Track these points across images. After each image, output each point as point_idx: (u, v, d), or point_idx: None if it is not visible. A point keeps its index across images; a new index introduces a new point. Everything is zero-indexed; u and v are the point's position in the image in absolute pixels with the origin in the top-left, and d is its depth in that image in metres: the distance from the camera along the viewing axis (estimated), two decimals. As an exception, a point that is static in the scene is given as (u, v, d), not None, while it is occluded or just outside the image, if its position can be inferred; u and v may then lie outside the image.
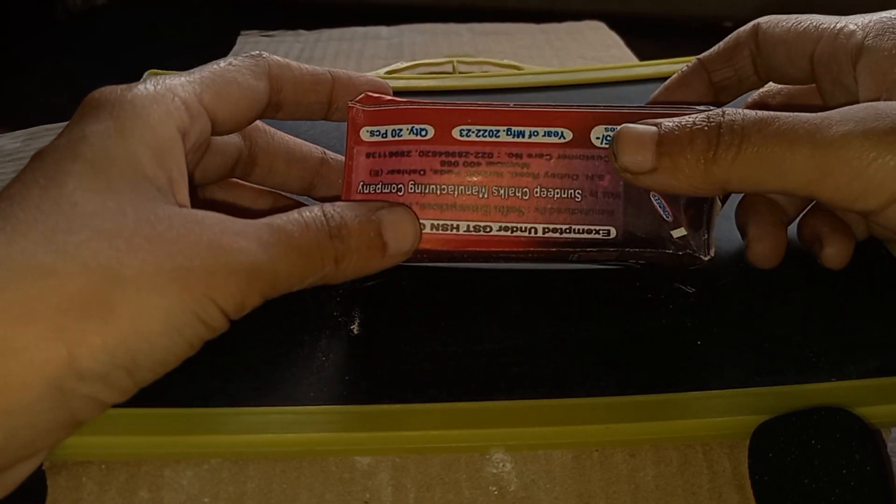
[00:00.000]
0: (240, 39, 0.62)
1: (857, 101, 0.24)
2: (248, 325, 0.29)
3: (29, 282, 0.18)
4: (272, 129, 0.30)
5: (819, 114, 0.22)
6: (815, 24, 0.28)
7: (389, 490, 0.24)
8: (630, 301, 0.30)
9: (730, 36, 0.31)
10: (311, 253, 0.22)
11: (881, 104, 0.22)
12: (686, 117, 0.24)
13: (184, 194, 0.23)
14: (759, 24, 0.30)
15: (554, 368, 0.27)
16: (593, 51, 0.58)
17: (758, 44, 0.30)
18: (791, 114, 0.22)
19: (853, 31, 0.27)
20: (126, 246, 0.20)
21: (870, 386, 0.26)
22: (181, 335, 0.20)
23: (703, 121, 0.23)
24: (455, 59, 0.52)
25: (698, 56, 0.31)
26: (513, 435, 0.25)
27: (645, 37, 0.64)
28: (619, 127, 0.24)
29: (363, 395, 0.26)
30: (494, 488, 0.24)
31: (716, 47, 0.31)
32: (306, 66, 0.27)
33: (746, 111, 0.23)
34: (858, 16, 0.28)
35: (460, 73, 0.51)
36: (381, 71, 0.51)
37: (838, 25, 0.27)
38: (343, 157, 0.28)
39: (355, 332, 0.28)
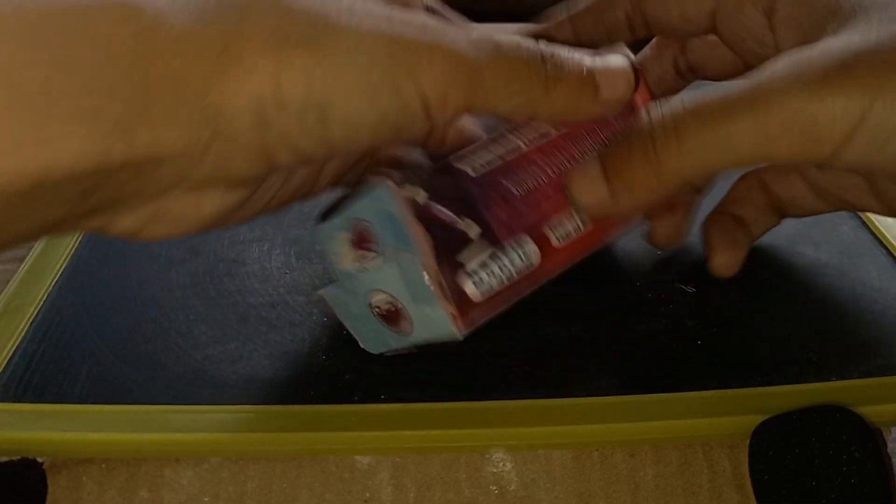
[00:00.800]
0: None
1: (776, 52, 0.24)
2: (249, 325, 0.29)
3: (254, 9, 0.18)
4: None
5: (746, 79, 0.22)
6: None
7: (389, 489, 0.24)
8: (630, 301, 0.30)
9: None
10: (521, 68, 0.21)
11: (801, 53, 0.22)
12: (617, 135, 0.24)
13: None
14: None
15: (554, 368, 0.27)
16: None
17: (638, 1, 0.28)
18: (716, 86, 0.22)
19: None
20: (345, 4, 0.20)
21: (870, 386, 0.26)
22: (376, 101, 0.20)
23: (633, 130, 0.23)
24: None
25: (568, 13, 0.30)
26: (513, 435, 0.25)
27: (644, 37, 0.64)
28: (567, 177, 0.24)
29: (363, 394, 0.26)
30: (495, 488, 0.24)
31: (585, 3, 0.29)
32: None
33: (672, 102, 0.22)
34: None
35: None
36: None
37: None
38: None
39: (355, 331, 0.28)
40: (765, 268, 0.31)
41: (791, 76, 0.21)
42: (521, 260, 0.24)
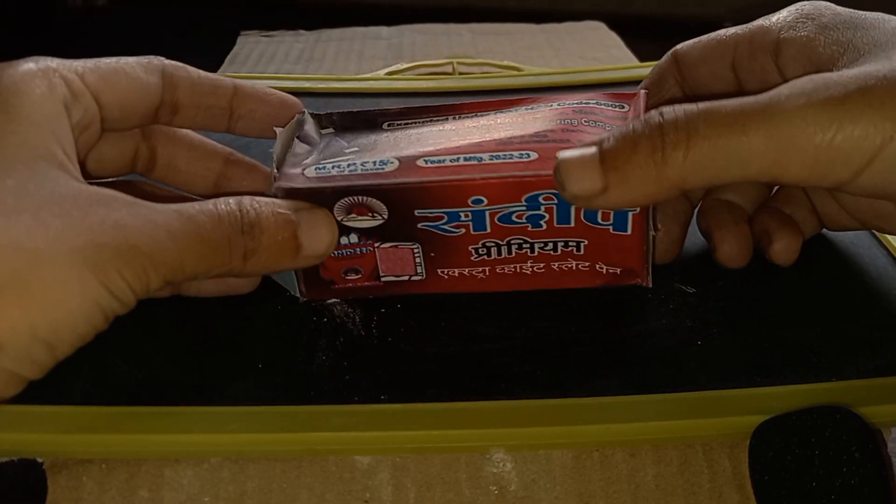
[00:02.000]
0: (240, 39, 0.62)
1: None
2: (249, 325, 0.29)
3: None
4: (174, 129, 0.29)
5: (765, 94, 0.21)
6: (727, 33, 0.29)
7: (390, 489, 0.24)
8: (630, 301, 0.30)
9: (652, 69, 0.31)
10: (220, 247, 0.23)
11: (823, 75, 0.22)
12: (623, 126, 0.23)
13: (78, 171, 0.23)
14: (675, 51, 0.30)
15: (554, 368, 0.27)
16: (593, 51, 0.58)
17: (680, 70, 0.30)
18: (734, 98, 0.22)
19: (767, 29, 0.27)
20: (34, 222, 0.20)
21: (870, 386, 0.26)
22: (99, 308, 0.21)
23: (642, 125, 0.22)
24: (455, 61, 0.52)
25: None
26: (513, 435, 0.25)
27: (645, 37, 0.64)
28: (558, 158, 0.23)
29: (363, 394, 0.26)
30: (495, 488, 0.24)
31: (643, 83, 0.31)
32: (206, 73, 0.28)
33: (686, 105, 0.22)
34: (767, 16, 0.28)
35: (460, 73, 0.51)
36: (382, 72, 0.51)
37: (751, 28, 0.28)
38: (249, 159, 0.29)
39: (355, 332, 0.28)
40: (764, 268, 0.31)
41: (811, 96, 0.21)
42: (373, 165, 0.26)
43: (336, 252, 0.27)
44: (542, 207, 0.26)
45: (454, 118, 0.29)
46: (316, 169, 0.26)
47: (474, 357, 0.27)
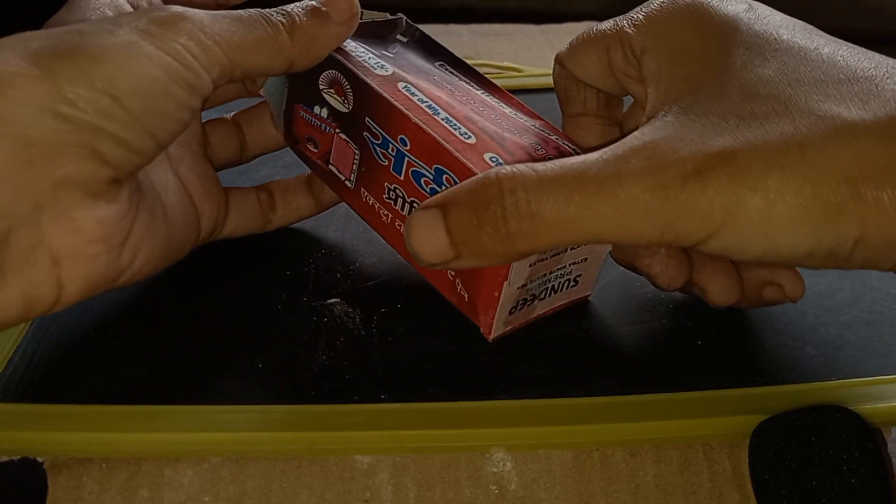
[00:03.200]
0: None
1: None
2: (249, 325, 0.29)
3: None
4: None
5: (607, 156, 0.21)
6: (598, 31, 0.27)
7: (390, 489, 0.24)
8: (630, 301, 0.30)
9: (555, 84, 0.29)
10: (256, 21, 0.25)
11: (663, 152, 0.21)
12: (463, 189, 0.22)
13: None
14: (558, 56, 0.28)
15: (554, 368, 0.27)
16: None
17: (573, 76, 0.28)
18: (577, 162, 0.21)
19: (630, 36, 0.25)
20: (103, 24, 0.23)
21: (870, 386, 0.26)
22: (168, 75, 0.22)
23: (481, 195, 0.21)
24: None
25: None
26: (513, 435, 0.25)
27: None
28: (407, 220, 0.23)
29: (363, 394, 0.26)
30: (495, 487, 0.24)
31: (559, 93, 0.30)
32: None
33: (522, 171, 0.21)
34: (633, 11, 0.26)
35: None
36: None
37: (616, 27, 0.26)
38: None
39: (355, 332, 0.28)
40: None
41: (653, 177, 0.20)
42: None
43: (307, 117, 0.29)
44: (443, 187, 0.25)
45: (482, 90, 0.29)
46: (353, 47, 0.28)
47: (474, 357, 0.27)
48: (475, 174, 0.23)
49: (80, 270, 0.22)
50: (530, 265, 0.25)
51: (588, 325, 0.29)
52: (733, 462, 0.25)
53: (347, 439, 0.25)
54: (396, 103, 0.26)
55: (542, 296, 0.27)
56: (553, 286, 0.27)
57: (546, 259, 0.25)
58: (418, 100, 0.27)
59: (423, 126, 0.25)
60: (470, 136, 0.25)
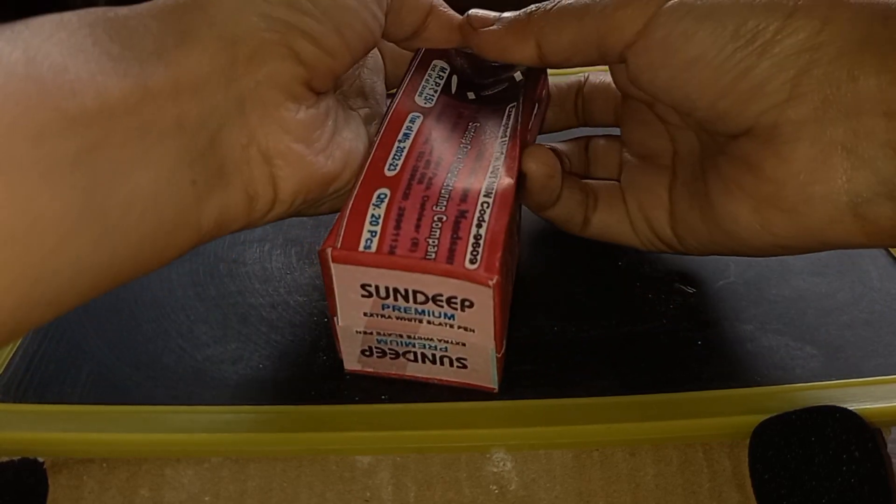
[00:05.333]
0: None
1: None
2: (250, 325, 0.29)
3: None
4: None
5: None
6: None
7: (390, 489, 0.24)
8: (630, 301, 0.30)
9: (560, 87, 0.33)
10: None
11: None
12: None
13: None
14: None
15: (554, 368, 0.27)
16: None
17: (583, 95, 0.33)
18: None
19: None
20: None
21: (870, 386, 0.26)
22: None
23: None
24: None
25: None
26: (513, 435, 0.25)
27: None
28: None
29: (363, 394, 0.26)
30: (495, 487, 0.24)
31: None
32: None
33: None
34: None
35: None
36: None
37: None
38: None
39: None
40: (764, 267, 0.31)
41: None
42: None
43: None
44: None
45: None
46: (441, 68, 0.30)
47: (474, 357, 0.27)
48: (355, 201, 0.24)
49: (291, 169, 0.23)
50: (364, 313, 0.24)
51: (588, 325, 0.28)
52: (733, 462, 0.25)
53: (348, 439, 0.25)
54: (386, 121, 0.26)
55: (412, 358, 0.25)
56: (425, 355, 0.25)
57: (390, 318, 0.24)
58: (406, 128, 0.26)
59: (376, 143, 0.26)
60: (395, 169, 0.25)
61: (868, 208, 0.21)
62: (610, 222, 0.30)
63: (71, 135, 0.17)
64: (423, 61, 0.30)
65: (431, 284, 0.22)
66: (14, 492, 0.24)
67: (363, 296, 0.23)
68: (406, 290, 0.23)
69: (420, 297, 0.23)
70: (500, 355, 0.25)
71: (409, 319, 0.24)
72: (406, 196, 0.24)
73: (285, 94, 0.22)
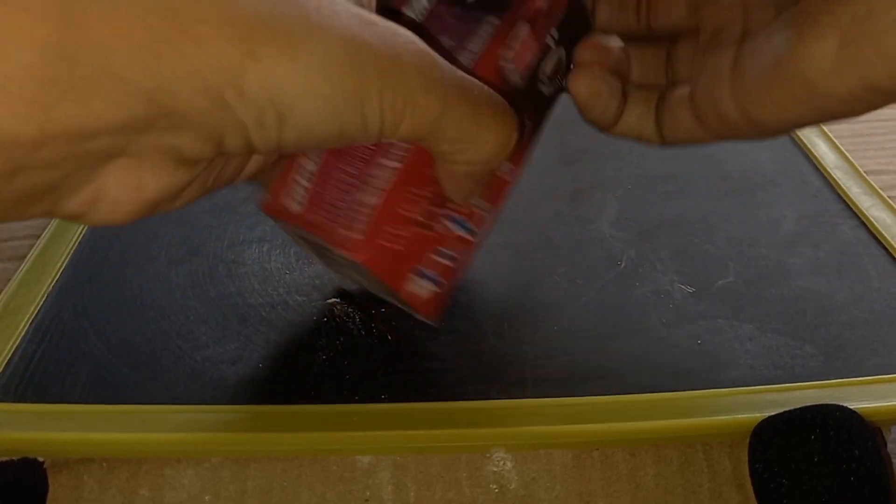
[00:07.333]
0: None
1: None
2: (249, 325, 0.29)
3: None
4: None
5: None
6: None
7: (390, 489, 0.24)
8: (630, 301, 0.30)
9: None
10: (485, 115, 0.21)
11: None
12: None
13: None
14: None
15: (554, 368, 0.27)
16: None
17: None
18: None
19: None
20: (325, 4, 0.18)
21: (870, 386, 0.26)
22: (339, 117, 0.19)
23: None
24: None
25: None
26: (513, 434, 0.25)
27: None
28: None
29: (363, 394, 0.26)
30: (495, 486, 0.24)
31: None
32: None
33: None
34: None
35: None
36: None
37: None
38: None
39: (355, 331, 0.28)
40: (764, 267, 0.31)
41: None
42: None
43: None
44: None
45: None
46: None
47: (474, 357, 0.27)
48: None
49: (116, 215, 0.20)
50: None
51: (588, 325, 0.28)
52: (733, 462, 0.25)
53: (348, 439, 0.25)
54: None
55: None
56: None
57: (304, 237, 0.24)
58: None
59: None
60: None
61: None
62: (679, 128, 0.24)
63: None
64: None
65: None
66: (14, 492, 0.24)
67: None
68: None
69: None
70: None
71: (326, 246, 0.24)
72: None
73: (171, 162, 0.19)
